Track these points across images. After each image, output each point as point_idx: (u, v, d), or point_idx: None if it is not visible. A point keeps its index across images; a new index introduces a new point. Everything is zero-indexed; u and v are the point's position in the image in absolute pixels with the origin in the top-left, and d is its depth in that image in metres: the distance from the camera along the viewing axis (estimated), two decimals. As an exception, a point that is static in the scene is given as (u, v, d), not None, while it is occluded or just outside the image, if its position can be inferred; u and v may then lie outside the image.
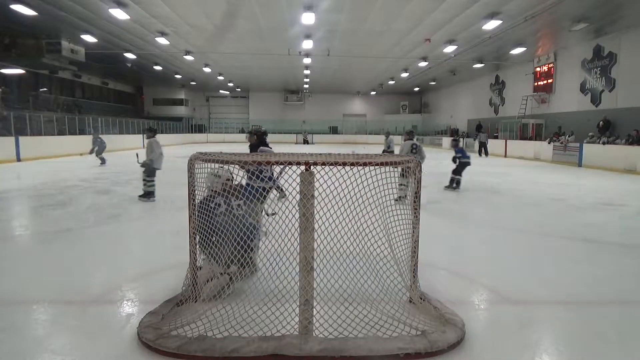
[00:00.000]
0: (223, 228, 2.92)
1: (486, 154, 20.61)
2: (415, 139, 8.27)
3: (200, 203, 2.97)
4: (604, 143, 14.58)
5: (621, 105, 15.29)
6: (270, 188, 4.06)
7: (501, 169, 14.11)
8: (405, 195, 5.84)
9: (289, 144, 32.84)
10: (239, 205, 3.25)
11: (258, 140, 5.21)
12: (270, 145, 5.29)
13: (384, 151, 11.26)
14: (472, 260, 4.14)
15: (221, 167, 3.40)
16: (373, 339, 2.40)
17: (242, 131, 37.35)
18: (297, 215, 2.45)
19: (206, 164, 2.82)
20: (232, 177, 3.48)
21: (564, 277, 3.70)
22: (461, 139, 19.09)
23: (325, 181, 2.56)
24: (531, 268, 3.94)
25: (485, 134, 21.29)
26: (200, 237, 2.96)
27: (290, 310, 2.53)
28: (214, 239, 2.91)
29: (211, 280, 2.98)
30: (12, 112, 16.85)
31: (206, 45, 19.65)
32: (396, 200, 2.85)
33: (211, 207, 3.06)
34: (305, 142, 35.13)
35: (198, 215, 2.90)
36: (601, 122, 15.49)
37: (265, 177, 4.26)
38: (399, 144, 10.28)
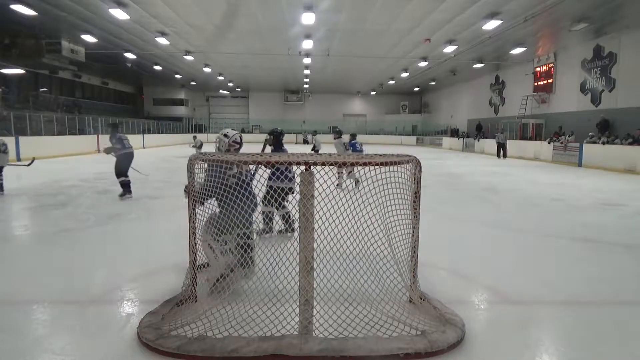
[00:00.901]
0: (234, 190, 2.86)
1: (504, 155, 19.55)
2: (342, 137, 9.17)
3: (211, 163, 2.93)
4: (603, 143, 14.56)
5: (621, 105, 15.30)
6: (290, 189, 4.01)
7: (501, 169, 14.11)
8: (341, 184, 6.87)
9: (289, 144, 32.81)
10: (247, 171, 3.35)
11: (276, 140, 5.13)
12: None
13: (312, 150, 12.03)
14: (472, 260, 4.14)
15: (232, 129, 3.77)
16: (373, 339, 2.40)
17: (243, 131, 37.38)
18: (297, 215, 2.45)
19: (205, 164, 2.82)
20: (241, 142, 3.75)
21: (564, 277, 3.70)
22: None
23: (325, 181, 2.56)
24: (531, 268, 3.94)
25: (503, 134, 20.17)
26: (217, 199, 2.94)
27: (290, 310, 2.53)
28: (226, 202, 2.88)
29: (212, 280, 2.97)
30: (12, 112, 16.85)
31: (206, 45, 19.65)
32: (337, 186, 3.04)
33: (223, 168, 3.02)
34: (305, 142, 35.17)
35: (209, 176, 2.91)
36: (598, 122, 15.41)
37: (287, 178, 4.24)
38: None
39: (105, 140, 21.62)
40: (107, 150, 7.42)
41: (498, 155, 19.77)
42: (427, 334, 2.42)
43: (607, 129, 15.14)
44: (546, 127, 20.03)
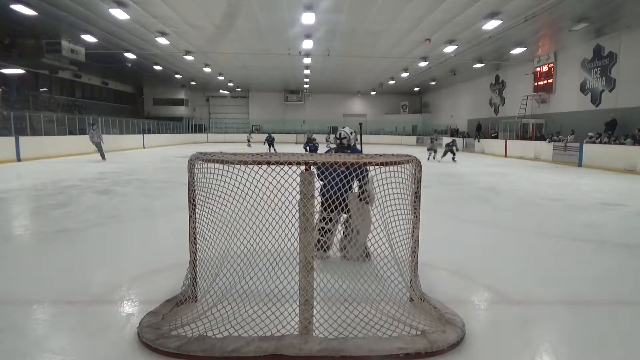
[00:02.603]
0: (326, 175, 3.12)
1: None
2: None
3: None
4: (607, 141, 14.37)
5: (621, 105, 15.30)
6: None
7: (501, 169, 14.10)
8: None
9: (290, 144, 32.85)
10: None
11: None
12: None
13: None
14: (472, 260, 4.14)
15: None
16: (373, 339, 2.40)
17: (247, 132, 37.42)
18: (297, 215, 2.45)
19: (206, 164, 2.81)
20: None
21: (564, 277, 3.70)
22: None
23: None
24: (531, 268, 3.94)
25: (436, 139, 23.68)
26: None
27: (290, 310, 2.53)
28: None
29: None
30: (12, 112, 16.85)
31: (206, 45, 19.65)
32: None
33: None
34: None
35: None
36: (607, 121, 15.34)
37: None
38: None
39: (105, 139, 21.66)
40: None
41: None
42: (427, 334, 2.42)
43: (614, 129, 15.07)
44: (546, 127, 20.04)
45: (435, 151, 17.25)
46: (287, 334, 2.40)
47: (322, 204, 3.47)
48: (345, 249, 3.72)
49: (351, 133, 4.14)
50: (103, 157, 15.71)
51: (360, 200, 3.55)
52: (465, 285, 3.48)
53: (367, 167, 3.36)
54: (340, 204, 2.98)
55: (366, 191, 3.56)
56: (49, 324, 2.73)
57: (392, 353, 2.27)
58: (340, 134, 4.15)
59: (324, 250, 3.61)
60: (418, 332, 2.46)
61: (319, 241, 3.54)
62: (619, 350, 2.48)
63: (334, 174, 3.14)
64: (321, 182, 3.38)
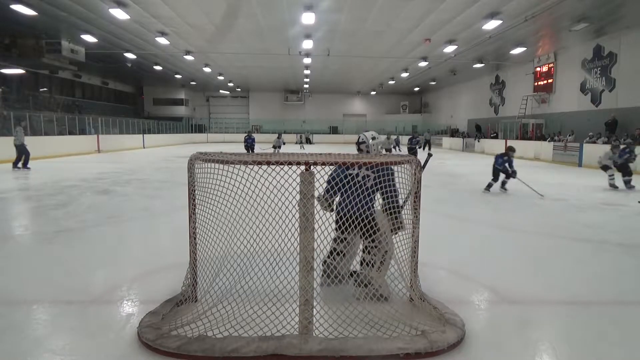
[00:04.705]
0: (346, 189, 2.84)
1: (429, 148, 24.78)
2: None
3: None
4: (604, 142, 14.51)
5: (621, 105, 15.30)
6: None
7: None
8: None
9: (290, 144, 32.84)
10: (366, 176, 2.96)
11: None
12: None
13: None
14: (472, 260, 4.14)
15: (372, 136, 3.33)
16: (373, 339, 2.40)
17: (244, 131, 37.40)
18: (297, 215, 2.45)
19: (206, 164, 2.81)
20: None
21: (564, 277, 3.70)
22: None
23: (325, 181, 2.56)
24: (531, 268, 3.94)
25: (429, 133, 26.54)
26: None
27: (290, 310, 2.53)
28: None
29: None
30: (12, 112, 16.85)
31: (206, 45, 19.65)
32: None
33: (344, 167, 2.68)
34: (308, 141, 35.38)
35: (333, 171, 2.86)
36: (607, 121, 15.36)
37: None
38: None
39: (105, 139, 21.66)
40: None
41: (423, 148, 24.57)
42: (427, 334, 2.42)
43: (615, 129, 15.07)
44: (546, 127, 20.05)
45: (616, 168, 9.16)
46: (287, 334, 2.40)
47: (337, 221, 2.95)
48: (360, 276, 2.98)
49: (372, 138, 3.30)
50: (25, 164, 11.49)
51: (393, 225, 2.86)
52: (465, 285, 3.48)
53: (396, 184, 2.82)
54: (359, 223, 2.65)
55: (396, 214, 2.84)
56: (49, 324, 2.73)
57: (392, 353, 2.27)
58: (358, 137, 3.40)
59: (334, 277, 2.95)
60: (418, 332, 2.46)
61: (328, 266, 2.98)
62: (619, 350, 2.48)
63: (354, 187, 2.75)
64: (333, 195, 2.98)
